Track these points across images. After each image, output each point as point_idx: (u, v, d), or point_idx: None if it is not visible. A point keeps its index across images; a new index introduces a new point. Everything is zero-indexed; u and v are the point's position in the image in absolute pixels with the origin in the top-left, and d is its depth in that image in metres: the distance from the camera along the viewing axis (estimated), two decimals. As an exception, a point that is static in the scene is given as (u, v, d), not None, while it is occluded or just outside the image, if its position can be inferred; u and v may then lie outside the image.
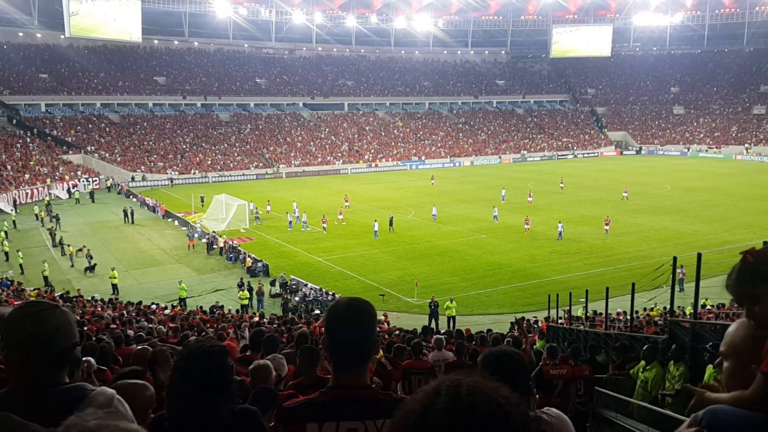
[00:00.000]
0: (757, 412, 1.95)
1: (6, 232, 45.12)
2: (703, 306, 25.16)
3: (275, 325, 20.35)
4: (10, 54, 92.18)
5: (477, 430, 1.27)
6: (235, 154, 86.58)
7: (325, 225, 46.87)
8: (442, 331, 21.91)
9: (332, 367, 2.73)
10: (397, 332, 18.83)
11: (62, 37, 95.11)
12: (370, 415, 2.58)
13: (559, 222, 44.16)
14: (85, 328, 14.70)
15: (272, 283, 35.32)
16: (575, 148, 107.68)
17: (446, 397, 1.32)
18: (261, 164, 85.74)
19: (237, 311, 29.48)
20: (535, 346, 15.94)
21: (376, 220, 46.04)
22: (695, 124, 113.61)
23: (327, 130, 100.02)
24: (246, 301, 31.90)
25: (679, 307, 23.63)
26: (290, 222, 48.92)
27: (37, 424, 2.12)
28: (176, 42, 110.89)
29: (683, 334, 9.94)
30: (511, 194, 59.67)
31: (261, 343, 7.39)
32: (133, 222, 51.71)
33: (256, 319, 23.88)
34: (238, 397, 3.25)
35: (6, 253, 40.98)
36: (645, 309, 25.70)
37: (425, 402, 1.33)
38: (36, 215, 52.66)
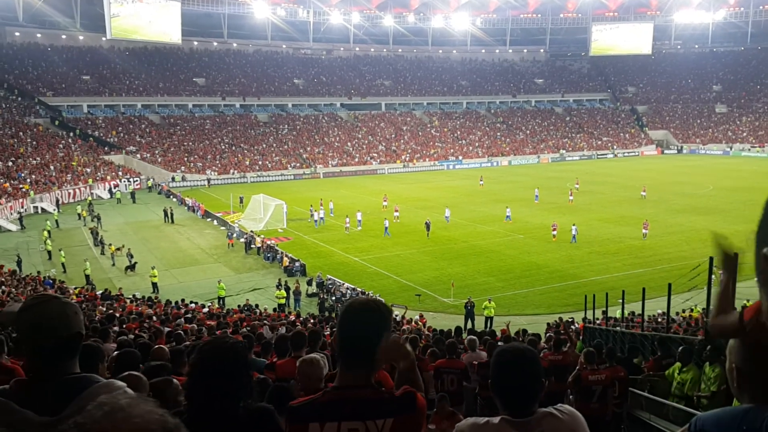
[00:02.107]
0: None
1: (49, 232, 46.14)
2: (744, 307, 24.64)
3: (311, 324, 20.52)
4: (53, 56, 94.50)
5: None
6: (273, 155, 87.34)
7: (348, 225, 47.25)
8: (478, 331, 21.82)
9: (339, 366, 2.76)
10: (427, 332, 18.82)
11: (103, 39, 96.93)
12: (370, 414, 2.61)
13: (573, 225, 43.16)
14: (124, 326, 15.04)
15: (309, 283, 35.53)
16: (615, 147, 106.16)
17: None
18: (298, 164, 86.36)
19: (274, 310, 29.77)
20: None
21: (386, 219, 46.64)
22: (738, 122, 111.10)
23: (364, 130, 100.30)
24: (283, 301, 32.14)
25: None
26: (316, 220, 49.96)
27: (40, 412, 2.25)
28: (215, 43, 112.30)
29: (720, 335, 9.73)
30: (549, 194, 59.09)
31: (286, 347, 7.51)
32: (173, 222, 52.56)
33: (293, 318, 24.10)
34: (257, 394, 3.26)
35: (49, 252, 41.94)
36: (684, 310, 25.27)
37: None
38: (78, 215, 53.79)
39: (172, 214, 53.18)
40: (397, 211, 51.14)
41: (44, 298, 2.56)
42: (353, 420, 2.59)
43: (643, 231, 42.99)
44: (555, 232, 42.71)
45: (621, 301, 22.78)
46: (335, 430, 2.59)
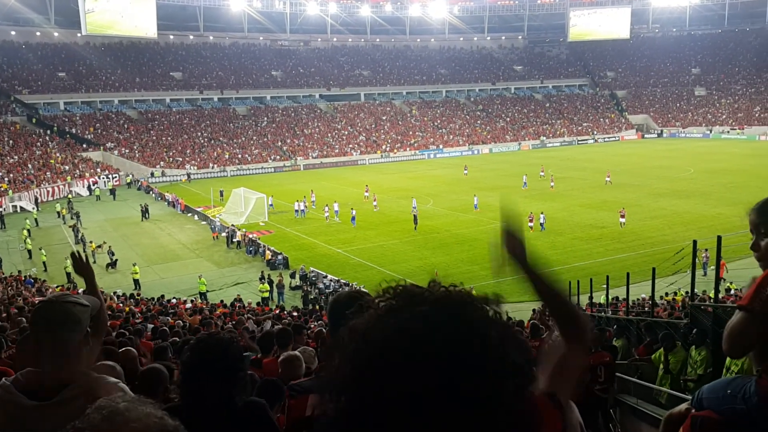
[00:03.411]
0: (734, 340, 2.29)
1: (29, 230, 45.60)
2: (728, 290, 24.81)
3: (292, 317, 20.39)
4: (28, 54, 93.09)
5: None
6: (253, 148, 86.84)
7: (337, 214, 47.33)
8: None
9: None
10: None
11: (79, 35, 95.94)
12: None
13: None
14: (108, 324, 14.80)
15: (292, 276, 35.38)
16: (595, 132, 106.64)
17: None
18: (279, 157, 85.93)
19: (258, 304, 29.61)
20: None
21: (353, 208, 46.70)
22: (717, 105, 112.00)
23: (344, 121, 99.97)
24: (266, 294, 32.03)
25: (703, 291, 23.32)
26: (297, 210, 49.94)
27: (35, 398, 2.54)
28: (191, 37, 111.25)
29: (705, 318, 9.74)
30: (531, 181, 59.20)
31: (271, 344, 7.42)
32: (147, 218, 51.82)
33: (277, 311, 23.95)
34: (247, 390, 3.27)
35: (29, 251, 41.50)
36: (668, 293, 25.38)
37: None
38: (58, 213, 53.18)
39: (146, 210, 52.31)
40: (375, 200, 51.17)
41: (45, 300, 2.83)
42: None
43: (621, 220, 41.73)
44: (532, 224, 41.11)
45: (605, 286, 22.84)
46: None
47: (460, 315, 1.15)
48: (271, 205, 52.11)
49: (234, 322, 17.05)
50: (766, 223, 2.33)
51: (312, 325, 15.38)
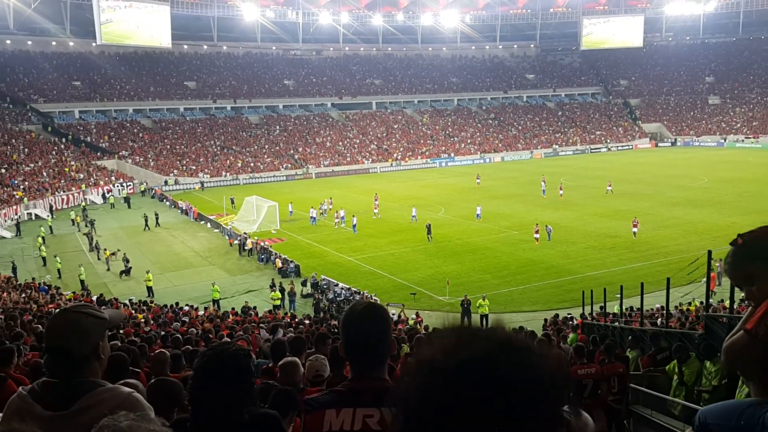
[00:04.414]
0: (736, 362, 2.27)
1: (43, 238, 45.97)
2: (743, 300, 24.56)
3: (305, 325, 20.39)
4: (44, 63, 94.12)
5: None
6: (265, 156, 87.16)
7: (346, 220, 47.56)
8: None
9: (350, 368, 2.82)
10: (424, 332, 18.74)
11: (94, 45, 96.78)
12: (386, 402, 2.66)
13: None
14: (121, 331, 14.88)
15: (303, 284, 35.41)
16: (609, 141, 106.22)
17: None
18: (291, 165, 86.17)
19: (269, 312, 29.62)
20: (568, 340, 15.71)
21: (354, 215, 47.38)
22: (731, 113, 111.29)
23: (355, 129, 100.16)
24: (278, 302, 32.04)
25: (719, 301, 23.13)
26: (313, 217, 50.25)
27: (50, 408, 2.57)
28: (205, 46, 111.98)
29: (720, 329, 9.66)
30: (537, 189, 59.02)
31: (282, 353, 7.36)
32: (152, 226, 51.65)
33: (288, 319, 23.96)
34: (259, 400, 3.27)
35: (44, 258, 41.82)
36: (681, 303, 25.19)
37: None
38: (72, 220, 53.60)
39: (147, 219, 51.88)
40: (376, 208, 51.73)
41: (59, 312, 2.83)
42: (369, 407, 2.63)
43: (633, 230, 41.33)
44: (538, 235, 40.65)
45: (619, 296, 22.70)
46: (351, 416, 2.64)
47: (522, 360, 1.22)
48: (291, 212, 52.74)
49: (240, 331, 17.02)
50: (741, 278, 2.32)
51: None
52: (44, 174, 66.80)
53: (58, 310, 2.89)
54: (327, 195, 59.43)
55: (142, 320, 20.99)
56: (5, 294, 26.31)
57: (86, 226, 51.14)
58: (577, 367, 9.29)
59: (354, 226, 46.40)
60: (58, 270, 38.56)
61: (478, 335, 1.27)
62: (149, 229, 51.33)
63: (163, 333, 15.34)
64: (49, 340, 2.73)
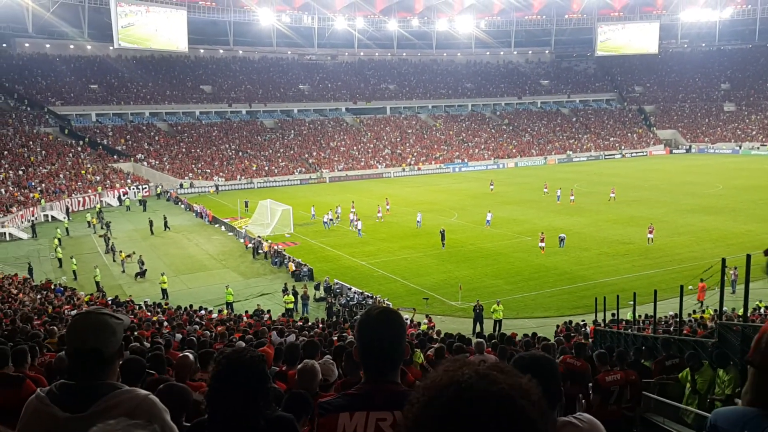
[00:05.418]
0: (755, 406, 2.20)
1: (59, 239, 46.35)
2: (757, 308, 24.45)
3: (318, 329, 20.49)
4: (62, 66, 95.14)
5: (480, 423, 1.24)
6: (280, 160, 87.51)
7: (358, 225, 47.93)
8: (486, 335, 21.72)
9: (364, 372, 2.84)
10: (435, 336, 18.78)
11: (111, 48, 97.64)
12: (399, 405, 2.68)
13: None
14: (136, 333, 15.04)
15: (316, 287, 35.53)
16: (623, 147, 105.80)
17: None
18: (305, 169, 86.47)
19: (282, 315, 29.75)
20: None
21: (359, 220, 48.00)
22: (747, 121, 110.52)
23: (370, 134, 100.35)
24: (291, 305, 32.15)
25: (733, 309, 23.02)
26: (325, 222, 50.61)
27: (68, 410, 2.63)
28: (221, 51, 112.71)
29: (733, 337, 9.67)
30: (554, 196, 58.91)
31: (297, 357, 7.39)
32: (159, 231, 51.77)
33: (300, 323, 24.06)
34: (273, 404, 3.34)
35: (60, 260, 42.21)
36: (695, 311, 25.10)
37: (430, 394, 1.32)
38: (88, 222, 54.04)
39: (152, 223, 51.99)
40: (380, 212, 52.24)
41: (82, 311, 2.89)
42: (382, 410, 2.67)
43: (648, 236, 41.28)
44: (543, 244, 40.09)
45: (632, 303, 22.66)
46: (364, 419, 2.67)
47: (517, 411, 1.28)
48: (314, 216, 53.36)
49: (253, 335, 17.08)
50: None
51: (333, 338, 15.41)
52: (61, 176, 67.42)
53: (79, 312, 2.94)
54: (340, 200, 59.62)
55: (157, 322, 21.18)
56: (21, 294, 26.66)
57: (102, 228, 51.56)
58: (604, 374, 9.32)
59: (359, 230, 46.84)
60: (74, 271, 38.92)
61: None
62: (154, 234, 51.26)
63: (180, 336, 15.48)
64: (79, 342, 2.76)
